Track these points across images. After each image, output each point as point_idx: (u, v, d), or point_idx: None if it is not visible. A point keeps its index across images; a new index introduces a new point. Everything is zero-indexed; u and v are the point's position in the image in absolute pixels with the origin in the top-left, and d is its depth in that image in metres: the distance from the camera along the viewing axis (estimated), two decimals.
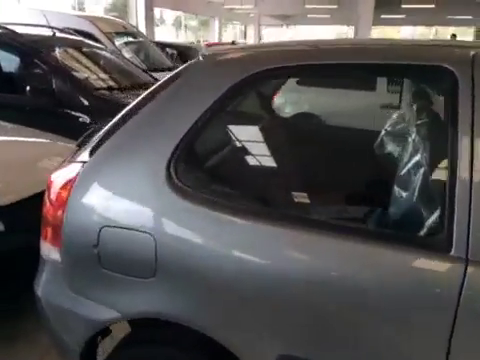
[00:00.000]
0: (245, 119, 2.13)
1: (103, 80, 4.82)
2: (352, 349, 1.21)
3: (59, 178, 1.50)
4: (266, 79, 1.56)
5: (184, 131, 1.35)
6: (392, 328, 1.16)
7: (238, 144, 1.90)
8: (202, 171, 1.61)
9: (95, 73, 4.82)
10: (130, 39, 7.65)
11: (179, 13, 25.76)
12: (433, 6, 19.37)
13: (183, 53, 9.98)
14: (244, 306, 1.28)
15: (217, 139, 1.81)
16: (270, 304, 1.25)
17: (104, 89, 4.49)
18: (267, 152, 1.92)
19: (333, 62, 1.37)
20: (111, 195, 1.40)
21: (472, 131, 1.11)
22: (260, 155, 1.91)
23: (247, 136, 1.93)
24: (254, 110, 2.31)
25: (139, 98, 1.58)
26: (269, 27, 33.82)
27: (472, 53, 1.23)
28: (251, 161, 1.90)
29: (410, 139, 1.67)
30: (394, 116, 2.21)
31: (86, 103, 4.26)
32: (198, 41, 16.77)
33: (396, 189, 1.49)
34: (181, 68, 1.59)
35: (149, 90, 1.57)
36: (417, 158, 1.50)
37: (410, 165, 1.54)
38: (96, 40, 6.44)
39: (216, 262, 1.27)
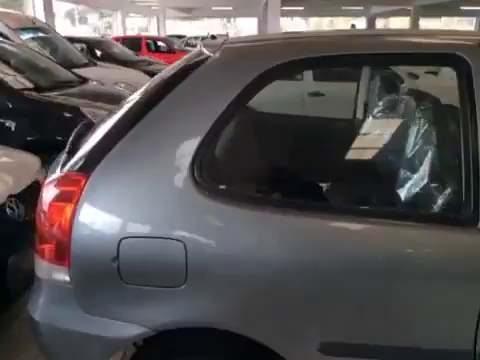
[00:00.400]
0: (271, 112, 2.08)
1: (22, 80, 4.41)
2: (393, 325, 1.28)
3: (56, 189, 1.35)
4: (291, 70, 1.53)
5: (207, 127, 1.29)
6: (431, 299, 1.25)
7: (266, 137, 1.84)
8: (230, 168, 1.55)
9: (15, 72, 4.40)
10: (40, 34, 7.07)
11: (72, 5, 24.31)
12: None
13: (93, 47, 9.49)
14: (292, 302, 1.27)
15: (243, 133, 1.75)
16: (320, 296, 1.26)
17: (29, 89, 4.11)
18: (300, 143, 1.89)
19: (359, 52, 1.38)
20: (130, 203, 1.30)
21: None
22: (293, 147, 1.88)
23: (275, 128, 1.88)
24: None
25: (139, 96, 1.47)
26: (175, 20, 33.33)
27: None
28: (283, 154, 1.86)
29: (421, 123, 1.72)
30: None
31: (10, 106, 3.88)
32: (102, 36, 15.96)
33: (426, 174, 1.56)
34: (189, 61, 1.50)
35: (151, 86, 1.46)
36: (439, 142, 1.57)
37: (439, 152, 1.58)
38: (4, 37, 5.87)
39: (257, 261, 1.24)
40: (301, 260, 1.26)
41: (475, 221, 1.21)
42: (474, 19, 30.35)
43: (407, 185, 1.60)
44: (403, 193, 1.61)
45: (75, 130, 1.63)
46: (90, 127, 1.76)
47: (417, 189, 1.53)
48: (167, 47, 14.46)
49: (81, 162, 1.36)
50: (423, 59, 1.43)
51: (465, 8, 24.38)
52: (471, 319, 1.23)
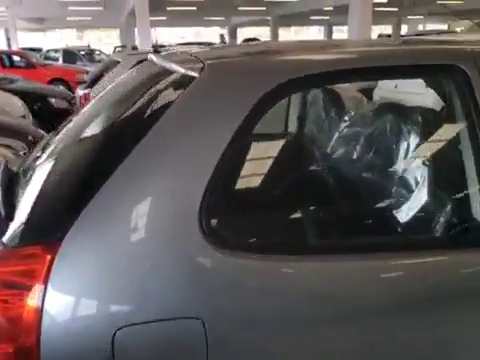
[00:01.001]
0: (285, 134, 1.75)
1: None
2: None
3: (6, 270, 0.94)
4: (303, 87, 1.29)
5: (213, 164, 1.00)
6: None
7: (287, 165, 1.53)
8: (248, 211, 1.25)
9: None
10: None
11: None
12: (195, 8, 20.65)
13: None
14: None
15: (258, 164, 1.44)
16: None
17: None
18: (329, 174, 1.62)
19: (372, 66, 1.21)
20: (121, 278, 0.95)
21: None
22: (321, 178, 1.60)
23: (296, 155, 1.59)
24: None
25: (98, 128, 1.12)
26: (24, 31, 30.43)
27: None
28: (311, 186, 1.56)
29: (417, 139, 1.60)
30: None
31: None
32: None
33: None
34: (160, 82, 1.18)
35: (112, 115, 1.12)
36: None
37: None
38: None
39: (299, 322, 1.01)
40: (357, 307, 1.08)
41: None
42: (322, 28, 33.49)
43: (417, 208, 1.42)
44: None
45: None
46: (9, 174, 1.33)
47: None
48: (25, 61, 13.02)
49: (38, 227, 0.97)
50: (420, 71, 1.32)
51: (314, 18, 26.72)
52: None
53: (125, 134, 1.10)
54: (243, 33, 32.10)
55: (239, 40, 25.78)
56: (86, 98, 5.01)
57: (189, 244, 0.98)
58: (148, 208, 0.98)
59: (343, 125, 1.79)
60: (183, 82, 1.14)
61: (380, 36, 20.72)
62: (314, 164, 1.72)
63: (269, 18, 24.47)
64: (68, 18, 25.08)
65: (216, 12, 23.01)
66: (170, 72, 1.27)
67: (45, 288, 0.90)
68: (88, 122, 1.38)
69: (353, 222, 1.37)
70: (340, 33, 34.90)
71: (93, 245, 0.94)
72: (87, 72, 12.39)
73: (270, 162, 1.54)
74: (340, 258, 1.09)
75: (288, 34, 36.75)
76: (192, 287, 0.98)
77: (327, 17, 26.35)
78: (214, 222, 1.02)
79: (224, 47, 1.93)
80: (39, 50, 21.12)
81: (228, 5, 19.54)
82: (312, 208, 1.41)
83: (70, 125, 1.53)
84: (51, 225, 0.96)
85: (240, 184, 1.33)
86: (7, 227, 1.01)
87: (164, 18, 25.23)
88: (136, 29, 14.06)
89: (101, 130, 1.21)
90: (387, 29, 28.56)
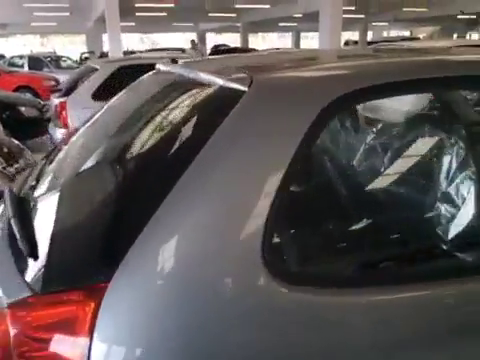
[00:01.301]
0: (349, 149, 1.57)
1: None
2: None
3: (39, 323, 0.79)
4: (368, 98, 1.17)
5: (274, 187, 0.88)
6: None
7: (361, 185, 1.38)
8: (319, 238, 1.11)
9: None
10: None
11: None
12: (165, 14, 20.41)
13: None
14: None
15: (325, 184, 1.29)
16: None
17: None
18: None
19: (445, 75, 1.12)
20: (175, 328, 0.81)
21: None
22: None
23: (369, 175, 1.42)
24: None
25: (132, 155, 0.97)
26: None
27: None
28: (388, 208, 1.40)
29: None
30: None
31: None
32: None
33: None
34: (194, 100, 1.05)
35: (146, 141, 0.98)
36: None
37: None
38: None
39: None
40: None
41: None
42: (290, 34, 33.83)
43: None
44: None
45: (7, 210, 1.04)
46: (20, 203, 1.16)
47: None
48: None
49: (76, 268, 0.81)
50: None
51: (283, 24, 26.95)
52: None
53: (172, 160, 0.96)
54: (211, 39, 32.06)
55: (208, 46, 25.68)
56: (63, 107, 4.76)
57: (256, 286, 0.85)
58: (204, 242, 0.85)
59: (409, 142, 1.55)
60: (228, 96, 1.02)
61: (347, 43, 20.99)
62: (391, 184, 1.53)
63: (239, 24, 24.50)
64: (32, 23, 24.35)
65: (186, 18, 22.84)
66: (202, 84, 1.14)
67: (90, 341, 0.75)
68: (119, 144, 1.22)
69: (429, 248, 1.26)
70: (307, 40, 35.46)
71: (144, 287, 0.80)
72: (55, 79, 12.00)
73: (340, 181, 1.40)
74: (416, 288, 0.98)
75: (256, 40, 36.95)
76: (262, 331, 0.85)
77: (295, 24, 26.65)
78: (279, 253, 0.89)
79: (253, 55, 1.78)
80: (2, 56, 20.37)
81: (199, 11, 19.43)
82: (390, 233, 1.28)
83: (88, 146, 1.36)
84: (93, 266, 0.81)
85: (309, 210, 1.18)
86: (26, 266, 0.85)
87: (133, 24, 24.88)
88: (104, 35, 13.74)
89: (143, 155, 1.06)
90: (354, 35, 29.11)
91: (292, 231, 1.05)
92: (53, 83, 11.44)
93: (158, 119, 1.21)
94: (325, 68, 1.21)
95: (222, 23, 25.31)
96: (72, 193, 1.10)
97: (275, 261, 0.88)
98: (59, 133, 4.94)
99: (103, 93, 4.84)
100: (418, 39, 18.46)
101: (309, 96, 1.00)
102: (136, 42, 33.05)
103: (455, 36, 25.13)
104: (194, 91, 1.19)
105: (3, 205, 1.33)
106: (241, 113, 0.96)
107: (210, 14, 20.32)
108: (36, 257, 0.87)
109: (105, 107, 1.59)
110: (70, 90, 5.01)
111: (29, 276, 0.85)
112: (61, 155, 1.44)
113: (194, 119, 1.07)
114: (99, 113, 1.57)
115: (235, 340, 0.84)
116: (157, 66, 1.60)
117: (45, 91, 9.78)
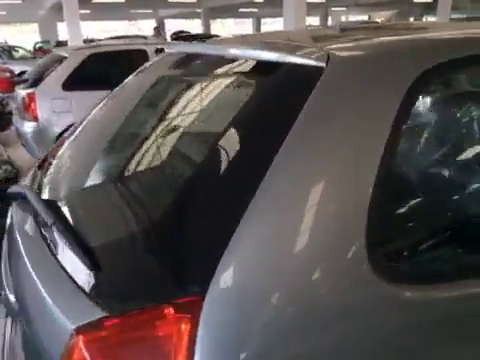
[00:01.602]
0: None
1: None
2: None
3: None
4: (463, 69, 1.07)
5: (374, 170, 0.79)
6: None
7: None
8: (426, 230, 0.99)
9: None
10: None
11: None
12: (123, 1, 19.73)
13: None
14: None
15: (424, 171, 1.16)
16: None
17: None
18: None
19: None
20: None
21: None
22: None
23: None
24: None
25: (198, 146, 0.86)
26: None
27: None
28: None
29: None
30: None
31: None
32: None
33: None
34: (259, 82, 0.93)
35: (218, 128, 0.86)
36: None
37: None
38: None
39: None
40: None
41: None
42: (250, 20, 33.61)
43: None
44: None
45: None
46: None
47: None
48: None
49: (165, 281, 0.70)
50: None
51: (243, 10, 26.70)
52: None
53: (258, 153, 0.85)
54: (171, 26, 31.36)
55: (167, 33, 25.09)
56: (32, 99, 4.48)
57: (360, 283, 0.77)
58: (305, 242, 0.75)
59: None
60: (303, 74, 0.91)
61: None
62: None
63: (199, 10, 24.04)
64: None
65: (145, 4, 22.20)
66: (260, 63, 1.02)
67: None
68: (192, 141, 1.06)
69: None
70: (266, 25, 35.29)
71: (244, 299, 0.70)
72: (10, 70, 11.35)
73: (443, 166, 1.25)
74: None
75: (216, 27, 36.47)
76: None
77: (256, 10, 26.47)
78: (383, 245, 0.81)
79: (312, 30, 1.60)
80: None
81: None
82: None
83: (146, 141, 1.18)
84: (186, 277, 0.70)
85: (410, 196, 1.05)
86: (89, 281, 0.72)
87: (88, 11, 23.95)
88: (59, 23, 13.12)
89: (224, 155, 0.92)
90: (315, 21, 29.23)
91: (397, 223, 0.95)
92: (8, 75, 10.85)
93: (219, 109, 1.07)
94: (402, 40, 1.11)
95: (182, 9, 24.77)
96: (149, 195, 0.96)
97: (380, 258, 0.79)
98: (27, 126, 4.67)
99: (74, 82, 4.59)
100: (377, 23, 18.74)
101: (400, 68, 0.91)
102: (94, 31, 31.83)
103: (411, 20, 25.71)
104: (251, 72, 1.06)
105: (16, 208, 1.19)
106: (325, 92, 0.85)
107: (170, 0, 19.85)
108: (98, 268, 0.75)
109: (125, 98, 1.41)
110: (37, 81, 4.73)
111: (96, 293, 0.72)
112: (100, 150, 1.28)
113: (264, 105, 0.94)
114: (128, 106, 1.38)
115: (340, 341, 0.77)
116: (167, 50, 1.46)
117: (14, 84, 9.25)
